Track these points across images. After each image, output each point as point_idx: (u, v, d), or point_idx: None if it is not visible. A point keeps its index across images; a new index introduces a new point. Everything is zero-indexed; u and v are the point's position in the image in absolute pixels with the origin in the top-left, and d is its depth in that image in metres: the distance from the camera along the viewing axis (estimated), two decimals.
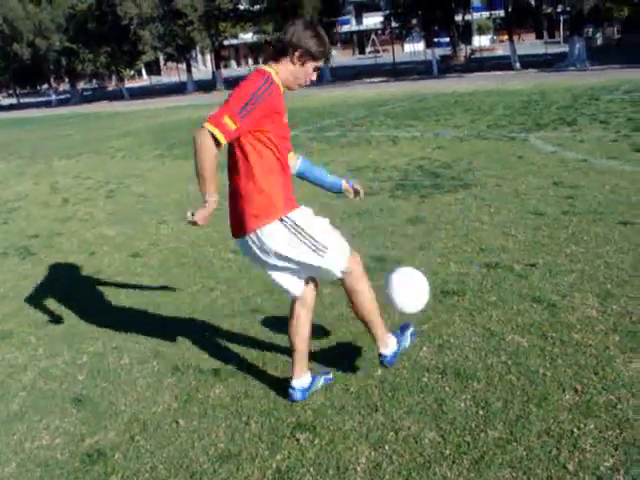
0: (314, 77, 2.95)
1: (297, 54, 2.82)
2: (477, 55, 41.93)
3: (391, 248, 5.56)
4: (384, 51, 58.56)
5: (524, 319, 3.90)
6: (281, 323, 3.68)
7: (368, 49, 65.35)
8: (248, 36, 44.39)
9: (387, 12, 34.82)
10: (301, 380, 3.24)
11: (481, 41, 57.79)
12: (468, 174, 8.08)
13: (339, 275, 2.98)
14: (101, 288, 5.39)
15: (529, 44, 47.06)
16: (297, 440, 2.94)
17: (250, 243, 2.93)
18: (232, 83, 36.10)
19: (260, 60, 56.55)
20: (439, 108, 15.87)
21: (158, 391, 3.59)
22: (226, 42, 49.36)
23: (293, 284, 3.11)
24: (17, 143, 19.48)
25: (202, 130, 2.63)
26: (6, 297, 5.47)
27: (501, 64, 32.14)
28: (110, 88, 54.23)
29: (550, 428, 2.79)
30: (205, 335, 4.23)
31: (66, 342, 4.41)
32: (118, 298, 5.11)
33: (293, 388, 3.23)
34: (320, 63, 2.93)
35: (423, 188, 7.60)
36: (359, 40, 71.37)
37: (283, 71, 2.85)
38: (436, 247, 5.45)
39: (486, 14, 37.77)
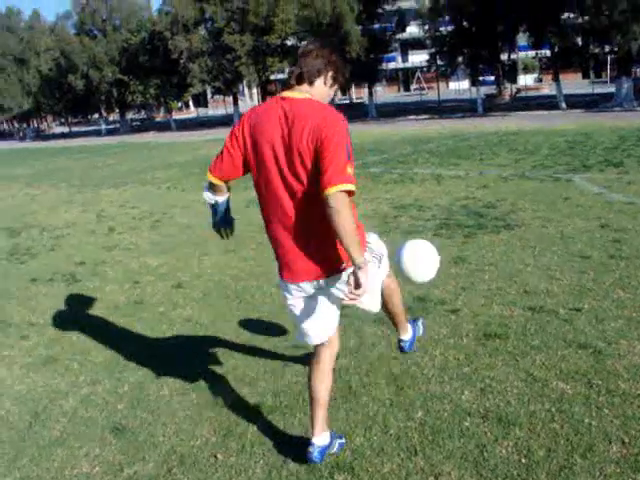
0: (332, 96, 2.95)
1: (330, 75, 2.78)
2: (522, 94, 41.77)
3: (434, 287, 5.51)
4: (429, 88, 58.73)
5: (568, 365, 3.81)
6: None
7: (413, 86, 65.67)
8: None
9: (432, 50, 35.01)
10: (322, 437, 3.01)
11: (526, 80, 57.70)
12: (512, 215, 8.01)
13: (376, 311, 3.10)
14: (144, 317, 5.46)
15: (575, 84, 46.70)
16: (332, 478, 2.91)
17: (298, 290, 2.88)
18: None
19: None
20: (483, 147, 15.83)
21: (197, 424, 3.60)
22: (272, 76, 50.29)
23: (325, 332, 2.99)
24: (66, 171, 20.03)
25: (339, 195, 2.46)
26: (51, 323, 5.58)
27: (546, 103, 31.98)
28: (158, 119, 55.57)
29: None
30: (245, 369, 4.23)
31: (107, 370, 4.46)
32: (160, 328, 5.17)
33: (313, 445, 2.97)
34: (342, 84, 2.94)
35: (467, 228, 7.56)
36: (404, 77, 71.84)
37: (316, 93, 2.76)
38: (479, 288, 5.39)
39: (532, 53, 37.64)
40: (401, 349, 3.63)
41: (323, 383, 2.99)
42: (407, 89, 69.23)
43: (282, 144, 2.67)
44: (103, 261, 7.65)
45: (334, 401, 3.38)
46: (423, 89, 58.13)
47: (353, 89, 55.38)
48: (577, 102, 31.11)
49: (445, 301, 5.13)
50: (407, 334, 3.61)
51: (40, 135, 56.49)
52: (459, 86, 55.98)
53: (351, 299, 2.48)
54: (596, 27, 27.20)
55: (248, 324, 5.06)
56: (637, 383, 3.53)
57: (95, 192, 14.08)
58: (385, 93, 68.50)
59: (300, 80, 2.76)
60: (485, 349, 4.15)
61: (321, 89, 2.79)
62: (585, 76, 56.23)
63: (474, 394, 3.57)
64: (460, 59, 33.21)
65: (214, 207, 3.10)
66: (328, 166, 2.51)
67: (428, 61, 37.51)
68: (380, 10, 36.08)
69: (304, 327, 2.99)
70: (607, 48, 30.45)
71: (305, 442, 3.18)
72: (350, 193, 2.52)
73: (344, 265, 2.73)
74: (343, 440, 3.19)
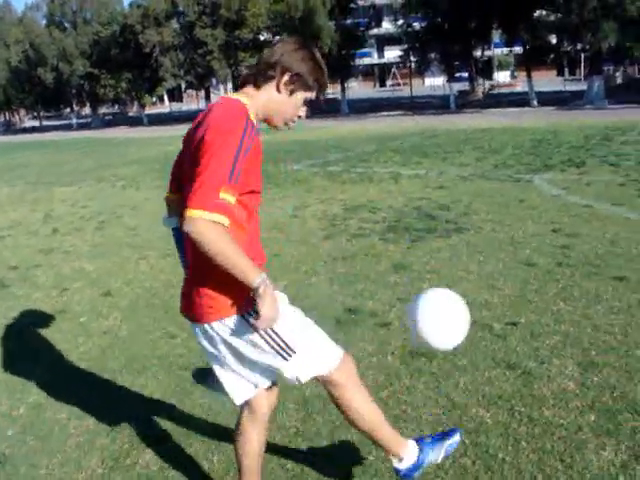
0: (302, 113, 2.29)
1: (286, 79, 2.18)
2: (496, 91, 41.74)
3: (368, 298, 5.25)
4: (404, 84, 58.66)
5: (493, 389, 3.56)
6: None
7: (389, 82, 65.57)
8: None
9: (406, 46, 34.82)
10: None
11: (501, 77, 57.78)
12: (464, 217, 7.78)
13: (303, 382, 2.32)
14: (63, 328, 5.14)
15: (549, 81, 46.83)
16: None
17: (199, 332, 2.31)
18: None
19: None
20: (449, 145, 15.62)
21: (87, 453, 3.30)
22: (245, 71, 49.70)
23: (239, 390, 2.43)
24: (26, 167, 19.51)
25: (201, 224, 1.91)
26: None
27: (519, 100, 31.97)
28: (131, 113, 54.81)
29: None
30: (153, 390, 3.93)
31: (9, 390, 4.14)
32: (76, 341, 4.85)
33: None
34: (312, 95, 2.25)
35: (415, 231, 7.30)
36: (380, 73, 71.67)
37: (263, 101, 2.19)
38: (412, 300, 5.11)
39: (506, 50, 37.61)
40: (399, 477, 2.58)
41: (244, 454, 2.53)
42: (383, 85, 69.12)
43: (184, 153, 2.26)
44: (37, 265, 7.29)
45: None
46: (398, 85, 58.08)
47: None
48: (549, 99, 31.09)
49: (377, 313, 4.86)
50: (402, 462, 2.51)
51: (10, 129, 55.49)
52: (434, 82, 55.90)
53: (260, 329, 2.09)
54: (567, 25, 27.20)
55: (167, 338, 4.75)
56: (561, 410, 3.29)
57: (49, 190, 13.64)
58: (360, 88, 68.31)
59: (244, 82, 2.24)
60: (408, 369, 3.89)
61: (274, 97, 2.20)
62: (559, 73, 56.48)
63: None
64: (433, 55, 33.04)
65: (175, 231, 2.50)
66: (197, 179, 1.95)
67: (401, 57, 37.31)
68: (354, 5, 35.82)
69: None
70: (579, 46, 30.46)
71: (195, 477, 2.90)
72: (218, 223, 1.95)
73: (219, 316, 2.20)
74: None
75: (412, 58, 35.81)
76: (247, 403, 2.48)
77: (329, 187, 10.85)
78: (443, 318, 2.39)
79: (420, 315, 2.39)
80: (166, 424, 3.51)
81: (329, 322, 4.74)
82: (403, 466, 2.48)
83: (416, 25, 33.22)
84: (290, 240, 7.31)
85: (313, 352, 2.28)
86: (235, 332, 2.19)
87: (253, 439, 2.51)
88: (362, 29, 36.65)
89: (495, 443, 3.03)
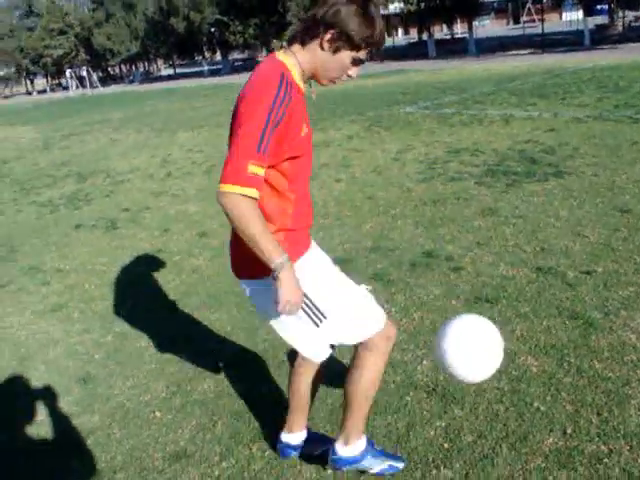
0: (353, 73, 2.14)
1: (328, 36, 2.03)
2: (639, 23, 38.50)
3: (449, 242, 5.23)
4: (540, 20, 55.33)
5: (549, 338, 3.51)
6: None
7: (523, 18, 62.06)
8: (401, 5, 43.41)
9: None
10: (291, 436, 2.71)
11: None
12: (568, 161, 7.44)
13: (337, 345, 2.37)
14: (157, 266, 5.52)
15: None
16: (250, 449, 2.84)
17: (245, 287, 2.35)
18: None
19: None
20: (571, 85, 14.75)
21: (157, 379, 3.62)
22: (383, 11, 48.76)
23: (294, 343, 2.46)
24: (155, 114, 20.53)
25: (232, 198, 1.90)
26: (75, 270, 5.76)
27: None
28: (260, 58, 55.55)
29: (513, 476, 2.48)
30: (226, 325, 4.20)
31: (101, 320, 4.57)
32: (167, 278, 5.22)
33: (280, 442, 2.73)
34: (363, 54, 2.09)
35: (513, 175, 7.09)
36: (514, 9, 67.89)
37: (308, 59, 2.08)
38: (494, 244, 5.06)
39: None
40: (329, 459, 2.55)
41: (297, 392, 2.64)
42: (517, 22, 65.49)
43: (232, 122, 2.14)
44: (147, 207, 7.81)
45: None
46: (533, 21, 54.79)
47: (458, 23, 52.90)
48: None
49: (453, 257, 4.85)
50: (346, 447, 2.49)
51: (148, 77, 58.15)
52: (572, 17, 52.24)
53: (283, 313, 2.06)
54: None
55: None
56: (613, 363, 3.20)
57: (171, 136, 14.34)
58: (493, 26, 65.22)
59: (292, 39, 2.14)
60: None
61: (318, 54, 2.08)
62: None
63: (432, 365, 3.36)
64: None
65: None
66: (229, 151, 1.95)
67: None
68: None
69: None
70: None
71: (244, 405, 3.13)
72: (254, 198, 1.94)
73: (254, 275, 2.22)
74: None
75: None
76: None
77: (437, 130, 10.66)
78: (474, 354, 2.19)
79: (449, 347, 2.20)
80: (228, 356, 3.75)
81: (404, 265, 4.81)
82: (342, 452, 2.49)
83: None
84: (386, 183, 7.34)
85: (346, 319, 2.25)
86: (270, 289, 2.08)
87: (304, 381, 2.60)
88: None
89: (534, 392, 3.02)
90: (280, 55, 2.10)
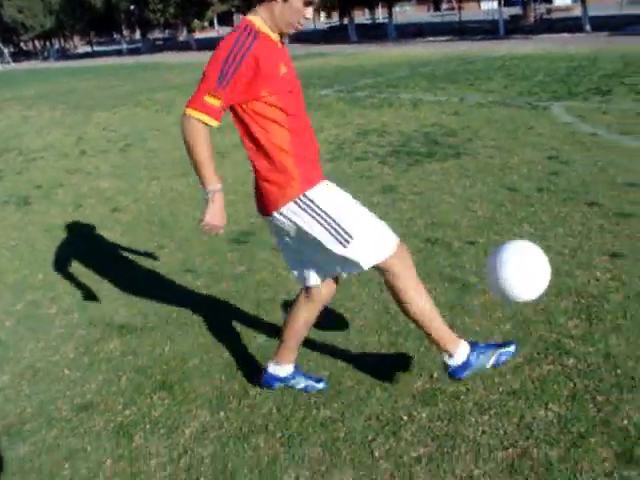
0: (308, 14, 2.42)
1: None
2: (552, 16, 40.11)
3: None
4: (460, 8, 56.70)
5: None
6: (207, 286, 3.85)
7: (443, 6, 63.47)
8: None
9: None
10: (278, 368, 2.93)
11: (562, 0, 55.25)
12: (467, 143, 7.94)
13: (365, 269, 2.53)
14: (68, 239, 5.65)
15: (615, 5, 44.37)
16: (151, 399, 3.09)
17: (270, 225, 2.64)
18: (293, 37, 36.07)
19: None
20: (481, 71, 15.44)
21: (65, 341, 3.80)
22: None
23: (307, 273, 2.71)
24: (71, 92, 20.12)
25: (186, 119, 2.31)
26: None
27: (572, 26, 30.70)
28: (181, 38, 54.79)
29: (383, 413, 2.83)
30: (133, 292, 4.41)
31: (12, 291, 4.68)
32: (76, 251, 5.36)
33: (266, 371, 2.97)
34: None
35: (416, 155, 7.53)
36: None
37: (268, 12, 2.38)
38: (390, 218, 5.42)
39: None
40: (448, 374, 2.75)
41: (290, 329, 2.84)
42: (437, 9, 66.88)
43: None
44: (60, 184, 7.84)
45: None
46: (452, 9, 56.17)
47: (379, 8, 53.59)
48: (605, 24, 29.79)
49: None
50: (452, 357, 2.68)
51: (65, 55, 56.31)
52: (492, 6, 53.82)
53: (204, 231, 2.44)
54: None
55: (157, 249, 5.20)
56: (482, 319, 3.60)
57: (87, 114, 14.19)
58: (415, 12, 66.38)
59: (251, 2, 2.44)
60: (355, 278, 4.24)
61: (273, 6, 2.38)
62: None
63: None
64: None
65: None
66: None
67: None
68: None
69: None
70: None
71: (147, 362, 3.37)
72: (208, 125, 2.33)
73: (277, 206, 2.49)
74: (320, 385, 3.00)
75: None
76: (306, 288, 2.76)
77: (348, 112, 11.03)
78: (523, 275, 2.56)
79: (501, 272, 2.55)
80: (133, 319, 3.98)
81: None
82: (452, 362, 2.66)
83: None
84: None
85: (370, 239, 2.47)
86: (294, 217, 2.47)
87: (300, 317, 2.81)
88: None
89: (410, 345, 3.39)
90: (248, 16, 2.42)
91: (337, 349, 3.39)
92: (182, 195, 6.76)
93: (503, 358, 2.73)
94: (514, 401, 2.85)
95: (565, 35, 27.24)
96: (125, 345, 3.67)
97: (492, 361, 2.71)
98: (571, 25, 31.41)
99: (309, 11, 2.43)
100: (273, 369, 2.94)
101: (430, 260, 4.49)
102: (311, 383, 2.98)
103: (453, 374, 2.71)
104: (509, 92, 11.83)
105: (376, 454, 2.58)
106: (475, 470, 2.45)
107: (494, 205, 5.58)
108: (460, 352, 2.67)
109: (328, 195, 2.49)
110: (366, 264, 2.49)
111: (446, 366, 2.71)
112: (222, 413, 2.93)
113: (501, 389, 2.94)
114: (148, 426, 2.89)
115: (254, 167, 2.51)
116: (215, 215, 2.39)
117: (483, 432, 2.66)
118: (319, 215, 2.45)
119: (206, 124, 2.32)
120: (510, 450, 2.55)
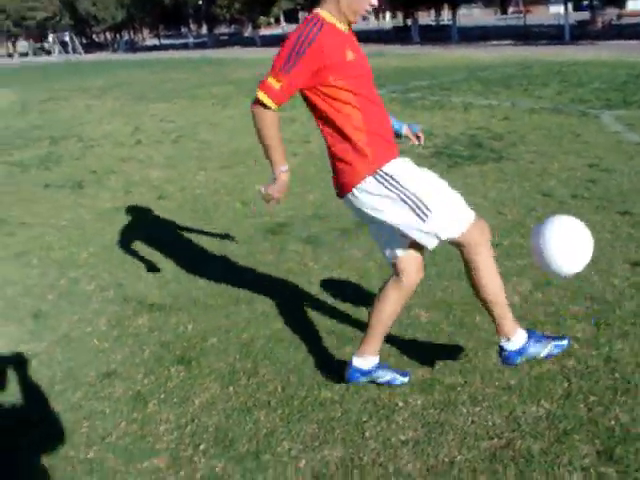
0: (375, 1, 2.58)
1: None
2: (622, 21, 39.10)
3: None
4: (527, 12, 55.79)
5: (444, 295, 4.04)
6: (236, 272, 4.08)
7: (510, 9, 62.52)
8: None
9: None
10: (361, 360, 2.90)
11: (638, 5, 53.69)
12: (511, 148, 7.97)
13: (444, 240, 2.57)
14: (113, 223, 5.97)
15: None
16: (169, 370, 3.33)
17: (349, 204, 2.70)
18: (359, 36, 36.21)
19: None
20: (537, 77, 15.30)
21: (99, 315, 4.09)
22: None
23: (391, 249, 2.75)
24: (135, 84, 20.79)
25: (254, 102, 2.52)
26: (40, 223, 6.18)
27: None
28: (246, 34, 55.64)
29: (380, 397, 2.98)
30: (168, 274, 4.67)
31: (58, 267, 5.01)
32: (120, 234, 5.67)
33: (350, 365, 2.93)
34: None
35: (457, 158, 7.61)
36: (502, 0, 68.25)
37: (334, 5, 2.53)
38: None
39: None
40: (500, 357, 2.85)
41: (376, 317, 2.83)
42: (504, 12, 65.89)
43: None
44: (113, 171, 8.22)
45: None
46: (520, 12, 55.26)
47: (446, 10, 53.17)
48: None
49: None
50: (509, 342, 2.77)
51: (133, 47, 57.86)
52: (561, 10, 52.79)
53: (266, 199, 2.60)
54: None
55: (196, 235, 5.46)
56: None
57: (146, 105, 14.69)
58: (481, 15, 65.57)
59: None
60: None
61: None
62: None
63: (330, 308, 3.87)
64: None
65: None
66: None
67: None
68: None
69: None
70: None
71: (171, 337, 3.61)
72: (269, 107, 2.49)
73: (354, 183, 2.60)
74: (405, 379, 3.04)
75: None
76: (395, 268, 2.77)
77: (399, 112, 11.12)
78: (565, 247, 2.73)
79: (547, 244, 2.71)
80: (162, 299, 4.23)
81: (336, 231, 5.30)
82: (509, 347, 2.74)
83: None
84: None
85: (448, 212, 2.54)
86: (372, 192, 2.56)
87: (388, 306, 2.79)
88: None
89: (419, 336, 3.53)
90: (316, 9, 2.57)
91: (346, 337, 3.56)
92: (226, 186, 7.02)
93: (556, 351, 2.82)
94: (507, 396, 2.96)
95: (633, 42, 26.57)
96: (153, 322, 3.93)
97: (546, 351, 2.80)
98: None
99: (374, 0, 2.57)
100: (357, 362, 2.90)
101: (453, 260, 4.59)
102: (395, 376, 3.00)
103: (507, 359, 2.79)
104: (562, 99, 11.73)
105: (367, 434, 2.74)
106: (458, 456, 2.59)
107: (526, 209, 5.64)
108: (518, 337, 2.75)
109: (405, 170, 2.59)
110: (444, 236, 2.54)
111: (502, 350, 2.78)
112: (231, 388, 3.14)
113: (497, 384, 3.06)
114: (163, 395, 3.12)
115: (329, 149, 2.65)
116: (277, 189, 2.58)
117: (472, 422, 2.79)
118: (397, 189, 2.52)
119: (265, 105, 2.47)
120: (495, 440, 2.67)
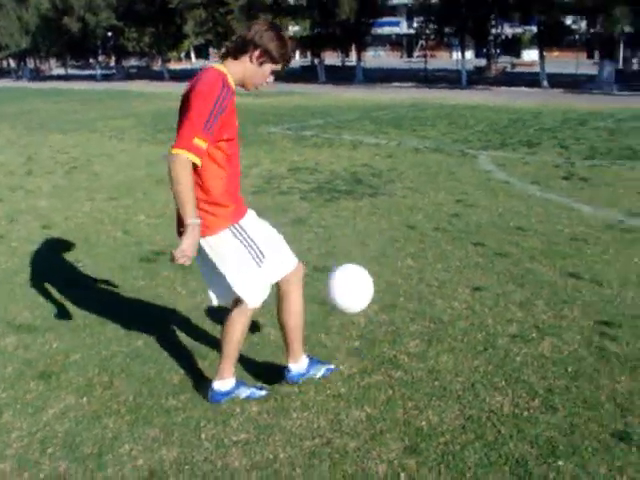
0: (270, 80, 2.94)
1: (257, 54, 2.80)
2: (519, 69, 41.66)
3: None
4: (430, 56, 58.36)
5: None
6: (105, 296, 4.27)
7: (416, 53, 65.27)
8: (297, 29, 44.82)
9: (421, 18, 35.01)
10: (220, 383, 3.25)
11: (531, 55, 57.26)
12: (389, 184, 8.53)
13: (272, 283, 3.11)
14: None
15: (578, 63, 46.03)
16: (28, 384, 3.51)
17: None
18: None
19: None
20: (428, 118, 16.24)
21: None
22: None
23: (217, 293, 3.18)
24: (35, 113, 20.48)
25: (178, 158, 2.62)
26: None
27: (532, 81, 31.98)
28: (155, 68, 55.46)
29: (220, 405, 3.30)
30: (41, 298, 4.82)
31: None
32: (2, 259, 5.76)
33: (211, 388, 3.25)
34: (279, 67, 2.90)
35: (336, 193, 8.09)
36: (408, 43, 71.30)
37: (240, 70, 2.83)
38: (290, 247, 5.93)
39: (520, 29, 37.75)
40: (286, 377, 3.40)
41: (223, 332, 3.18)
42: (410, 55, 68.75)
43: (180, 110, 2.85)
44: (0, 200, 8.21)
45: None
46: (425, 56, 57.84)
47: (354, 52, 54.97)
48: (563, 82, 31.08)
49: None
50: (297, 364, 3.38)
51: (38, 75, 56.57)
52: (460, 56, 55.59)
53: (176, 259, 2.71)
54: (583, 7, 27.18)
55: (75, 261, 5.62)
56: (339, 338, 4.10)
57: (44, 136, 14.57)
58: (388, 58, 68.13)
59: (226, 54, 2.88)
60: None
61: (247, 67, 2.84)
62: (590, 56, 55.75)
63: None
64: (448, 30, 33.20)
65: None
66: (180, 128, 2.69)
67: (416, 29, 37.49)
68: None
69: None
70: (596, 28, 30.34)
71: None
72: (194, 165, 2.69)
73: (210, 232, 2.89)
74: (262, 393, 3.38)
75: (427, 31, 35.92)
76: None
77: (289, 149, 11.62)
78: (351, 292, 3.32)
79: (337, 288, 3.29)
80: (32, 319, 4.39)
81: None
82: (219, 387, 3.22)
83: None
84: None
85: (277, 259, 3.07)
86: (220, 244, 2.92)
87: (234, 327, 3.13)
88: None
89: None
90: (219, 66, 2.84)
91: (202, 352, 3.85)
92: (110, 216, 7.20)
93: (327, 373, 3.51)
94: (336, 402, 3.33)
95: (523, 89, 28.43)
96: (20, 341, 4.09)
97: (321, 373, 3.50)
98: (531, 80, 32.71)
99: (271, 78, 2.95)
100: (217, 385, 3.25)
101: (311, 285, 4.92)
102: (253, 390, 3.36)
103: (291, 378, 3.39)
104: (446, 139, 12.56)
105: (202, 436, 3.04)
106: (281, 454, 2.92)
107: (389, 241, 6.12)
108: (303, 362, 3.40)
109: (251, 223, 3.01)
110: (273, 280, 3.09)
111: (289, 369, 3.38)
112: (85, 398, 3.37)
113: (328, 392, 3.43)
114: (19, 406, 3.32)
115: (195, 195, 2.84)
116: (191, 247, 2.71)
117: (300, 425, 3.14)
118: (245, 240, 2.94)
119: (193, 163, 2.67)
120: (316, 440, 3.02)
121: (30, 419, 3.20)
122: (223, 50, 3.00)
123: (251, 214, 3.07)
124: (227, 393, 3.26)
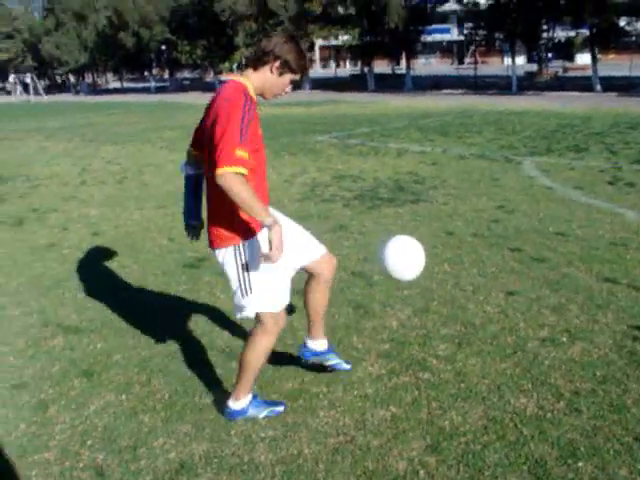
0: (288, 89, 3.03)
1: (277, 64, 2.89)
2: (568, 74, 40.98)
3: None
4: (482, 63, 57.91)
5: (328, 321, 4.50)
6: (149, 299, 4.48)
7: (467, 60, 64.84)
8: (347, 38, 45.13)
9: (471, 25, 34.82)
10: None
11: (584, 59, 56.22)
12: (431, 191, 8.58)
13: (251, 317, 3.09)
14: (45, 256, 6.35)
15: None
16: (72, 382, 3.73)
17: (214, 255, 3.09)
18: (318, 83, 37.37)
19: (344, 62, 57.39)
20: (474, 125, 16.18)
21: (18, 337, 4.45)
22: (323, 42, 50.50)
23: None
24: (91, 126, 21.20)
25: (228, 176, 2.63)
26: None
27: (584, 85, 31.47)
28: (208, 79, 56.56)
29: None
30: (88, 300, 5.07)
31: None
32: (49, 265, 6.04)
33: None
34: (297, 76, 2.99)
35: (378, 200, 8.18)
36: (459, 50, 70.86)
37: (260, 80, 2.92)
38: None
39: (573, 33, 37.12)
40: (224, 412, 3.31)
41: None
42: (461, 62, 68.30)
43: (203, 127, 2.94)
44: (54, 209, 8.59)
45: None
46: (476, 63, 57.41)
47: (404, 59, 54.96)
48: (617, 85, 30.47)
49: None
50: (236, 403, 3.25)
51: (95, 89, 58.37)
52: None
53: (268, 259, 2.69)
54: (638, 7, 26.65)
55: (118, 267, 5.87)
56: (369, 340, 4.19)
57: (97, 148, 15.10)
58: (438, 65, 67.82)
59: (246, 65, 3.01)
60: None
61: (267, 77, 2.92)
62: None
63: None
64: (498, 35, 32.94)
65: (186, 180, 3.39)
66: (218, 146, 2.67)
67: (465, 35, 37.28)
68: None
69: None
70: None
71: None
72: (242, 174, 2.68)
73: (219, 246, 2.99)
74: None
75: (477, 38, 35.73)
76: (310, 272, 3.34)
77: (335, 158, 11.76)
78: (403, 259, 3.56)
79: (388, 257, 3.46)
80: (79, 321, 4.63)
81: None
82: (234, 406, 3.22)
83: (482, 2, 33.05)
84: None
85: (266, 299, 3.02)
86: (226, 260, 2.98)
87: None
88: (430, 6, 36.78)
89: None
90: (240, 78, 2.92)
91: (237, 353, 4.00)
92: (156, 224, 7.45)
93: (272, 414, 3.30)
94: (362, 402, 3.43)
95: (574, 94, 27.99)
96: (67, 342, 4.32)
97: (264, 414, 3.29)
98: (583, 84, 32.17)
99: (289, 87, 3.03)
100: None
101: (347, 289, 5.10)
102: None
103: (230, 414, 3.26)
104: (491, 146, 12.51)
105: (232, 432, 3.18)
106: (306, 450, 3.04)
107: (426, 246, 6.13)
108: (244, 401, 3.24)
109: (256, 250, 2.94)
110: (252, 313, 3.07)
111: (227, 406, 3.26)
112: (124, 396, 3.55)
113: (356, 392, 3.53)
114: (63, 402, 3.53)
115: (210, 206, 2.99)
116: (279, 248, 2.68)
117: (325, 423, 3.25)
118: (241, 267, 2.96)
119: (242, 174, 2.67)
120: (340, 437, 3.13)
121: (73, 413, 3.40)
122: (244, 61, 3.18)
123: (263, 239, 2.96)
124: (242, 412, 3.26)
